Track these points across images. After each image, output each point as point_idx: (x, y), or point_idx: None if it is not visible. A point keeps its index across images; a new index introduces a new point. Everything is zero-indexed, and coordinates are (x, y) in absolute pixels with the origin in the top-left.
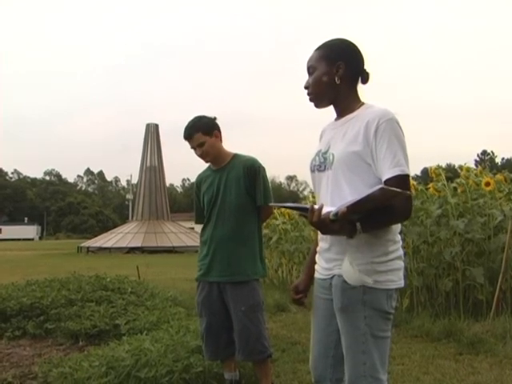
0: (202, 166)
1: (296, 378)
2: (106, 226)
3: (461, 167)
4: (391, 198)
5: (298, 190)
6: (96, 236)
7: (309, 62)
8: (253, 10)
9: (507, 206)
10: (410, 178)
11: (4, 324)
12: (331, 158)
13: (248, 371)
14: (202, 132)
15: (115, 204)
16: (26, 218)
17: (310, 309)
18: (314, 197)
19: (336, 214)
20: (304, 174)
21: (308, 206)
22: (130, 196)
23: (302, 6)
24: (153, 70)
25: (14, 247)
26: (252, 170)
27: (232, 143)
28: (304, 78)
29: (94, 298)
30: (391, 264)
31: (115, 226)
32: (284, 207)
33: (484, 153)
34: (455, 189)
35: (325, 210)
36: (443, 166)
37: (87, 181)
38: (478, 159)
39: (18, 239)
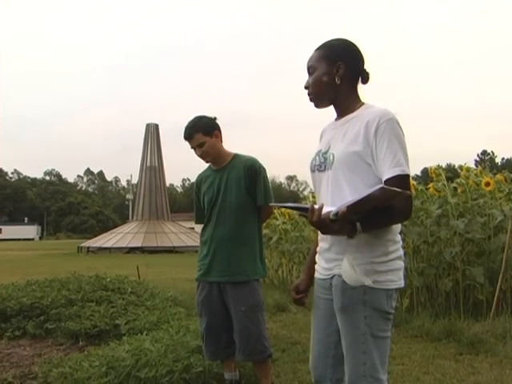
0: (202, 166)
1: (296, 378)
2: (106, 226)
3: (461, 167)
4: (391, 197)
5: (298, 190)
6: (96, 236)
7: (309, 61)
8: (253, 10)
9: (507, 206)
10: (410, 178)
11: (4, 324)
12: (331, 158)
13: (248, 371)
14: (203, 132)
15: (115, 204)
16: (26, 218)
17: (310, 309)
18: (314, 197)
19: (336, 214)
20: (304, 174)
21: (308, 205)
22: (130, 196)
23: (302, 6)
24: (153, 70)
25: (14, 247)
26: (252, 170)
27: (232, 143)
28: (304, 78)
29: (94, 298)
30: (391, 264)
31: (115, 226)
32: (284, 207)
33: (484, 153)
34: (455, 189)
35: (325, 210)
36: (443, 165)
37: (87, 181)
38: (478, 159)
39: (18, 239)
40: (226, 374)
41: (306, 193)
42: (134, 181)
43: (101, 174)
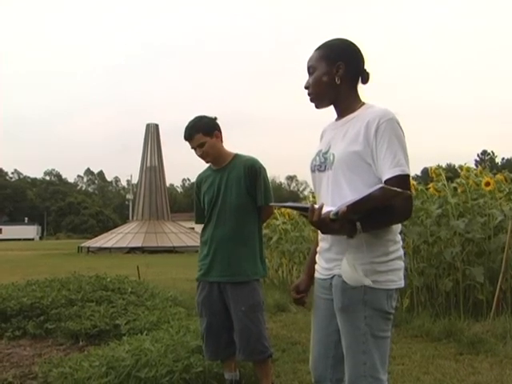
0: (202, 166)
1: (296, 378)
2: (106, 226)
3: (461, 167)
4: (391, 197)
5: (298, 190)
6: (96, 236)
7: (309, 61)
8: (253, 10)
9: (507, 206)
10: (410, 178)
11: (4, 324)
12: (331, 158)
13: (248, 371)
14: (203, 132)
15: (115, 204)
16: (26, 218)
17: (310, 309)
18: (314, 197)
19: (336, 214)
20: (304, 174)
21: (308, 205)
22: (130, 196)
23: (302, 6)
24: (153, 70)
25: (14, 247)
26: (253, 170)
27: (232, 143)
28: (304, 77)
29: (94, 298)
30: (391, 264)
31: (115, 226)
32: (284, 207)
33: (484, 153)
34: (455, 189)
35: (325, 210)
36: (443, 166)
37: (87, 181)
38: (478, 159)
39: (19, 239)
40: (226, 374)
41: (306, 193)
42: (134, 181)
43: (101, 174)
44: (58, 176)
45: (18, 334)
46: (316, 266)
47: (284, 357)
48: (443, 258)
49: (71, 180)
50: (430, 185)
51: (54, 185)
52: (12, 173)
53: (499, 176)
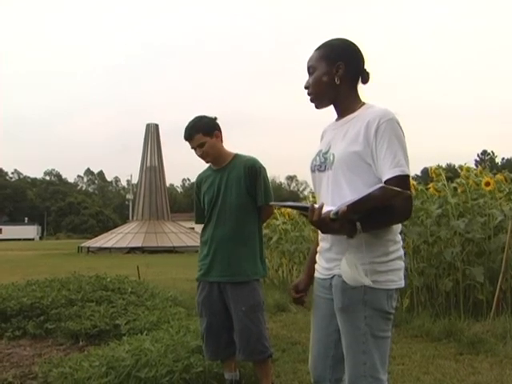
0: (202, 166)
1: (296, 378)
2: (106, 226)
3: (461, 167)
4: (391, 197)
5: (299, 190)
6: (96, 236)
7: (309, 61)
8: (253, 10)
9: (507, 206)
10: (410, 178)
11: (4, 324)
12: (332, 158)
13: (248, 371)
14: (203, 133)
15: (115, 204)
16: (26, 218)
17: (310, 309)
18: (314, 197)
19: (336, 213)
20: (304, 174)
21: (308, 205)
22: (130, 196)
23: (302, 6)
24: (153, 70)
25: (14, 247)
26: (253, 170)
27: (232, 143)
28: (304, 78)
29: (95, 298)
30: (392, 264)
31: (115, 226)
32: (284, 206)
33: (484, 153)
34: (455, 189)
35: (325, 209)
36: (443, 166)
37: (87, 181)
38: (478, 159)
39: (19, 239)
40: (226, 374)
41: (306, 193)
42: (134, 181)
43: (101, 174)
44: (58, 176)
45: (18, 334)
46: (316, 266)
47: (284, 357)
48: (443, 258)
49: (71, 180)
50: (430, 185)
51: (54, 185)
52: (12, 173)
53: (499, 176)
